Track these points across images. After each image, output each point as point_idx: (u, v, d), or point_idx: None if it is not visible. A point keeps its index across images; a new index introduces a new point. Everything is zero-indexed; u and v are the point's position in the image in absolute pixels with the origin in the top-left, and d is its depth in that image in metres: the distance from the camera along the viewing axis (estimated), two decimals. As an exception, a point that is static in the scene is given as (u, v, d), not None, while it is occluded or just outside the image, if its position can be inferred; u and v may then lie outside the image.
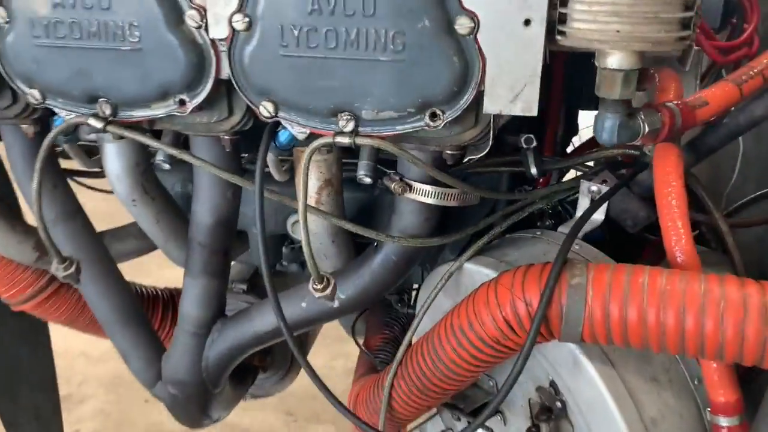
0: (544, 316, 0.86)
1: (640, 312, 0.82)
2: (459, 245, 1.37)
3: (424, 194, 1.02)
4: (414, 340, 1.15)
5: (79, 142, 1.28)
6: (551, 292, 0.85)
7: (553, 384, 1.04)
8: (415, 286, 1.78)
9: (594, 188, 1.12)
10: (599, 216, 1.13)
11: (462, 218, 1.23)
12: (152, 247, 1.55)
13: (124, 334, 1.28)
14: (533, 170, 1.19)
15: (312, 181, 1.11)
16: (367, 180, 1.08)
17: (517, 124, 1.21)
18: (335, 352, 3.47)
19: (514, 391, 1.16)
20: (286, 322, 1.00)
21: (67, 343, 3.43)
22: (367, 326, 1.69)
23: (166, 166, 1.13)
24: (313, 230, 1.16)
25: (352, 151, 1.15)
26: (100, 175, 1.44)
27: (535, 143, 1.17)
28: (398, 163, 1.04)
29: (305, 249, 0.94)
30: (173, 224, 1.27)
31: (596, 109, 1.47)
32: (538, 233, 1.16)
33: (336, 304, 1.14)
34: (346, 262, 1.23)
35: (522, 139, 1.17)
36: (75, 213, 1.22)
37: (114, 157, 1.15)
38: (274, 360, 1.62)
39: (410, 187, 1.03)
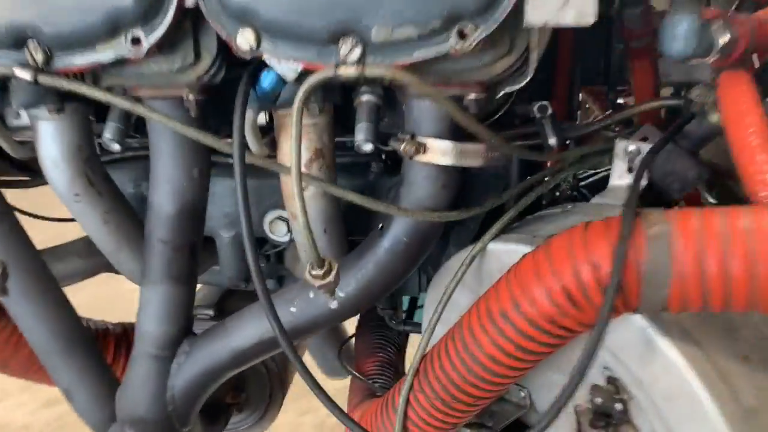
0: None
1: (747, 263, 0.63)
2: (465, 241, 1.18)
3: (443, 153, 0.83)
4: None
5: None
6: (626, 246, 0.67)
7: (612, 380, 0.84)
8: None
9: (632, 148, 0.95)
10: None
11: (471, 198, 1.05)
12: (99, 268, 1.31)
13: (68, 364, 1.03)
14: (552, 140, 1.02)
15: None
16: (368, 147, 0.88)
17: (528, 93, 1.05)
18: (303, 407, 3.21)
19: (552, 399, 0.96)
20: (281, 325, 0.78)
21: (7, 415, 3.09)
22: (356, 351, 1.47)
23: (116, 147, 0.92)
24: (301, 216, 0.95)
25: (343, 124, 0.97)
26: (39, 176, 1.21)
27: (551, 110, 1.01)
28: (406, 119, 0.86)
29: (301, 220, 0.74)
30: (125, 226, 1.04)
31: (604, 83, 1.34)
32: (569, 207, 0.98)
33: (334, 304, 0.92)
34: (339, 259, 1.02)
35: (535, 108, 1.01)
36: (2, 215, 0.98)
37: (50, 138, 0.93)
38: (250, 397, 1.38)
39: (424, 146, 0.84)
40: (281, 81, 0.78)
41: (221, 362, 0.98)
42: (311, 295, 0.94)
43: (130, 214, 1.06)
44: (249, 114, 0.86)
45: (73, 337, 1.03)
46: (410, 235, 0.88)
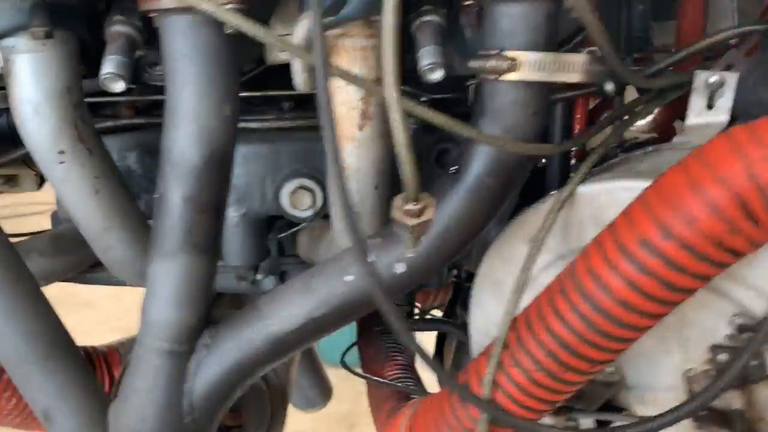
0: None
1: None
2: (504, 216, 1.04)
3: (539, 67, 0.70)
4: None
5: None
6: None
7: (744, 328, 0.71)
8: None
9: (714, 79, 0.85)
10: (721, 117, 0.86)
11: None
12: (64, 271, 1.08)
13: (49, 376, 0.80)
14: (609, 86, 0.91)
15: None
16: (437, 74, 0.73)
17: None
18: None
19: (651, 370, 0.83)
20: (376, 277, 0.61)
21: None
22: (366, 358, 1.28)
23: (119, 85, 0.72)
24: (352, 165, 0.79)
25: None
26: None
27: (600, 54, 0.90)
28: (489, 33, 0.72)
29: (401, 138, 0.58)
30: (118, 199, 0.84)
31: (625, 50, 1.26)
32: (649, 149, 0.87)
33: (401, 267, 0.76)
34: (381, 225, 0.85)
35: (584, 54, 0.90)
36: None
37: (32, 76, 0.73)
38: (251, 419, 1.16)
39: (515, 62, 0.70)
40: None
41: (256, 353, 0.79)
42: (371, 258, 0.77)
43: (122, 184, 0.86)
44: (304, 24, 0.70)
45: (55, 342, 0.81)
46: (495, 174, 0.74)
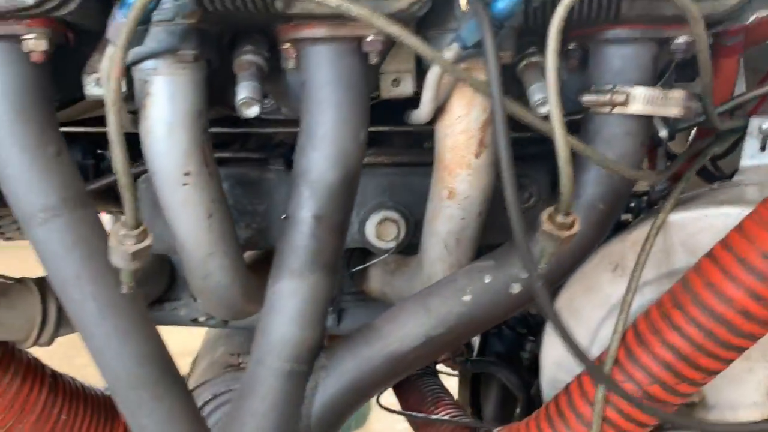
0: None
1: None
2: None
3: (648, 101, 0.77)
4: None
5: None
6: None
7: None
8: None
9: (767, 125, 0.96)
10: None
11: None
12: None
13: (158, 401, 0.78)
14: (662, 132, 1.01)
15: (475, 113, 0.81)
16: (547, 107, 0.80)
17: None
18: None
19: (733, 388, 0.89)
20: (545, 290, 0.65)
21: None
22: (408, 402, 1.29)
23: (254, 110, 0.75)
24: (464, 192, 0.84)
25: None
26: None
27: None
28: (601, 70, 0.79)
29: (562, 146, 0.63)
30: (226, 224, 0.85)
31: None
32: (715, 185, 0.95)
33: (517, 288, 0.80)
34: (470, 260, 0.90)
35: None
36: (84, 202, 0.76)
37: (170, 97, 0.75)
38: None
39: (627, 96, 0.77)
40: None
41: (375, 373, 0.80)
42: (487, 279, 0.81)
43: (229, 211, 0.87)
44: (449, 56, 0.75)
45: (164, 366, 0.80)
46: (607, 199, 0.80)
